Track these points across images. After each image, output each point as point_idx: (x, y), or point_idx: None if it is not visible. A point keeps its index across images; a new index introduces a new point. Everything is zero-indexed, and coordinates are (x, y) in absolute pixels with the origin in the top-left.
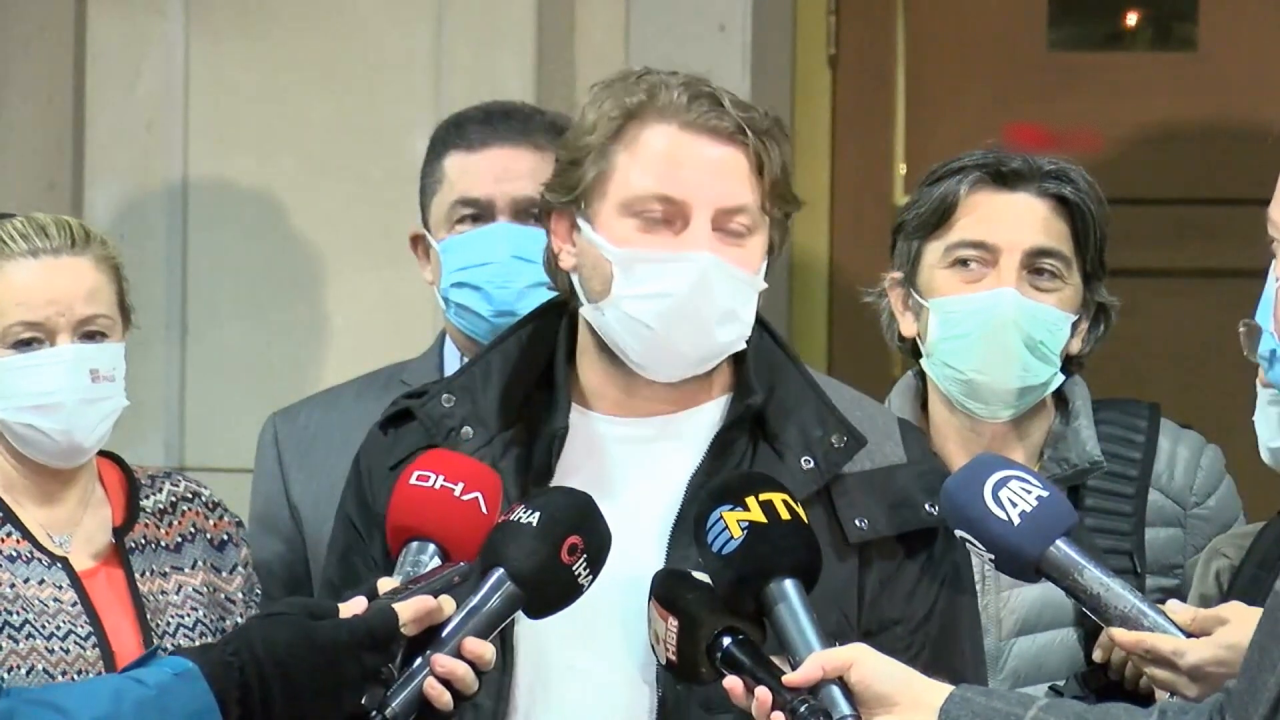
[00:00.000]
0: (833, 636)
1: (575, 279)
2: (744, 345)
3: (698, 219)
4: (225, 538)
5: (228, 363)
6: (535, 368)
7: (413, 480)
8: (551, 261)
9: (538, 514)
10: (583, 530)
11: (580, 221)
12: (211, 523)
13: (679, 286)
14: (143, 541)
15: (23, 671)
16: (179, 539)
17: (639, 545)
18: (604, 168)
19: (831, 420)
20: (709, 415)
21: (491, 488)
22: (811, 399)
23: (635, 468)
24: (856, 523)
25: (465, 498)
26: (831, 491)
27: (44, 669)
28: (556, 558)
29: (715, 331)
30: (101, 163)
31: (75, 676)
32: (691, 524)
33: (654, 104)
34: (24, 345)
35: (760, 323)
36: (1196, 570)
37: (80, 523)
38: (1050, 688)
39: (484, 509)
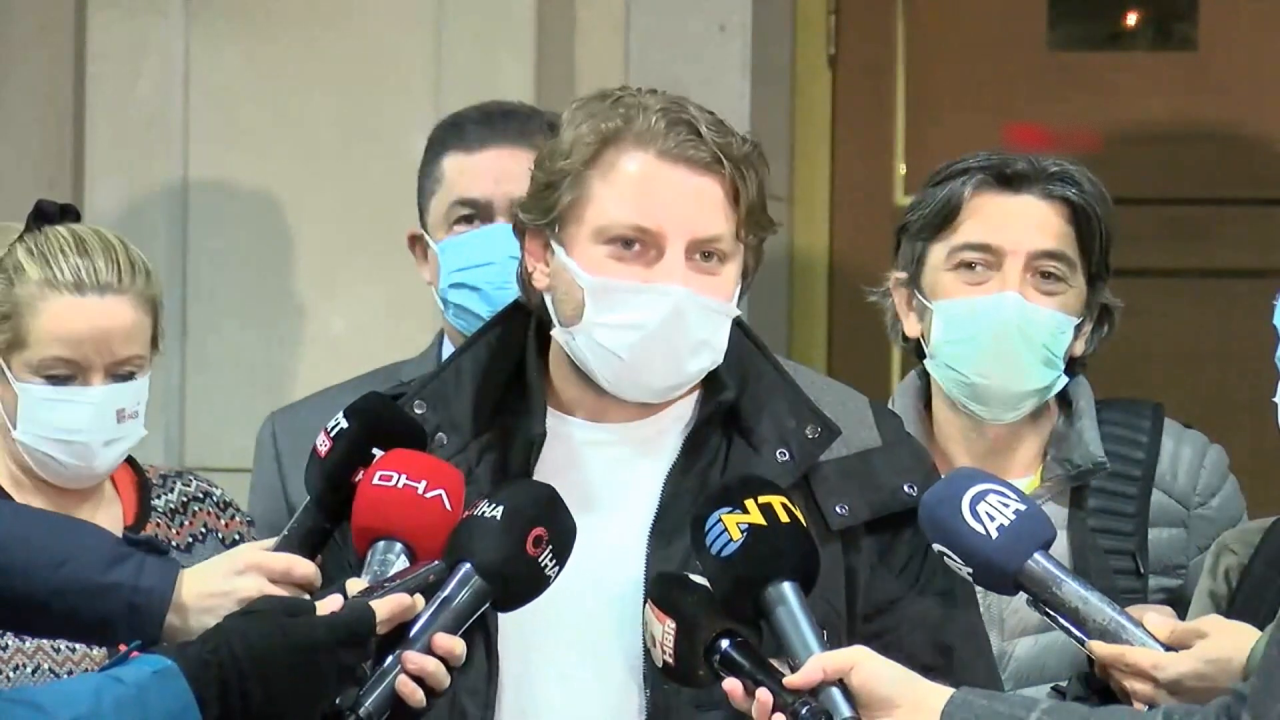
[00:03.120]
0: (819, 626)
1: (549, 299)
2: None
3: (672, 250)
4: (237, 537)
5: (228, 363)
6: (506, 371)
7: (375, 480)
8: (526, 278)
9: (501, 508)
10: (546, 522)
11: (554, 244)
12: (223, 523)
13: (651, 318)
14: None
15: (28, 670)
16: (190, 539)
17: (619, 549)
18: (579, 194)
19: (805, 411)
20: (682, 414)
21: (454, 484)
22: (784, 390)
23: (612, 472)
24: (837, 509)
25: (428, 495)
26: (810, 480)
27: (49, 668)
28: (522, 550)
29: (686, 362)
30: (101, 163)
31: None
32: (670, 527)
33: (630, 130)
34: (56, 379)
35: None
36: (1204, 567)
37: (90, 520)
38: (1053, 688)
39: (448, 505)
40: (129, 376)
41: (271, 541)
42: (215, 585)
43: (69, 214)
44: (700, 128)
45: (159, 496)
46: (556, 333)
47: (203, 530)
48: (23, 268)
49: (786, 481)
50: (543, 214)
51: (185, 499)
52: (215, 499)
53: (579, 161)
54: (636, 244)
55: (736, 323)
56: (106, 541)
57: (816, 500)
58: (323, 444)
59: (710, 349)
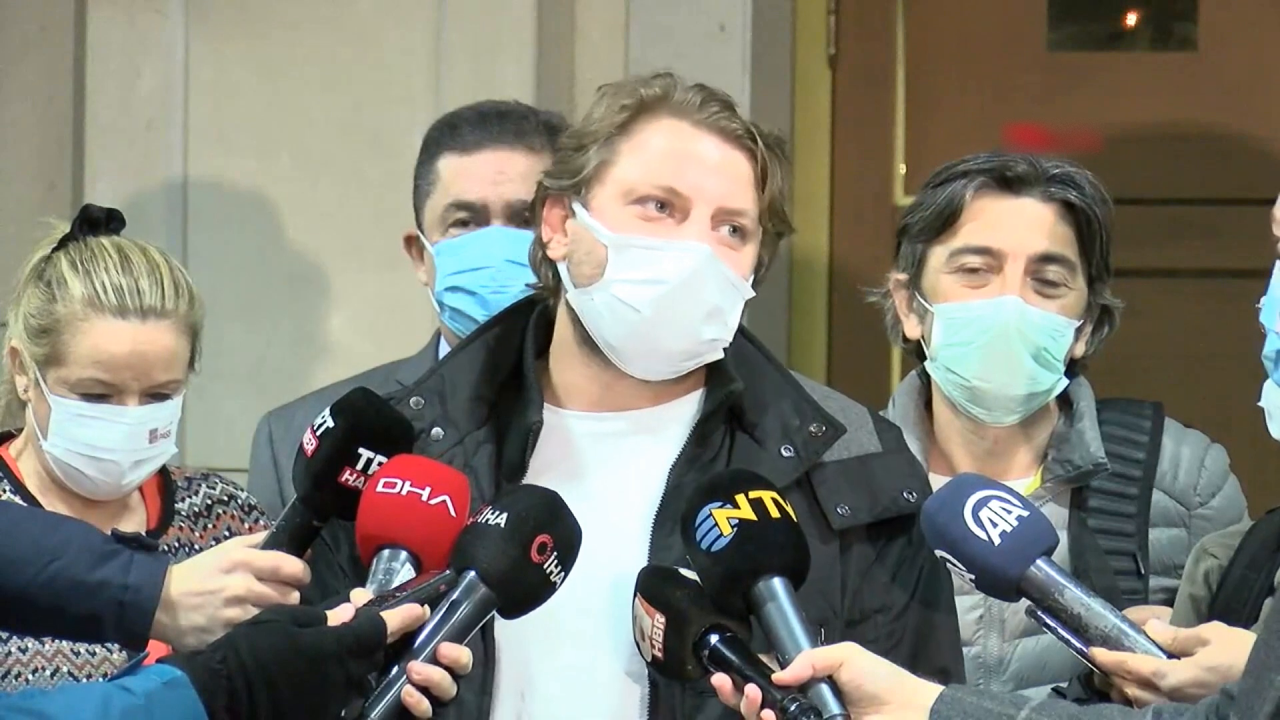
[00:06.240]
0: (817, 623)
1: (564, 267)
2: (722, 353)
3: (698, 213)
4: None
5: (227, 363)
6: (504, 368)
7: (379, 488)
8: (539, 252)
9: (505, 514)
10: (551, 528)
11: (576, 207)
12: (247, 526)
13: (673, 274)
14: (177, 545)
15: (47, 674)
16: (214, 543)
17: (620, 540)
18: (608, 156)
19: (809, 410)
20: (684, 408)
21: (459, 490)
22: (788, 391)
23: (611, 462)
24: (838, 509)
25: (433, 502)
26: (812, 479)
27: (68, 671)
28: (526, 557)
29: (701, 327)
30: (101, 163)
31: (100, 680)
32: (673, 516)
33: (667, 100)
34: (92, 397)
35: None
36: (1185, 571)
37: (114, 524)
38: (1053, 689)
39: (452, 512)
40: (164, 397)
41: (259, 538)
42: (203, 583)
43: (115, 220)
44: (734, 106)
45: (183, 500)
46: (572, 296)
47: (225, 534)
48: (66, 282)
49: (789, 478)
50: (569, 176)
51: (210, 502)
52: (240, 503)
53: (610, 126)
54: (665, 206)
55: (739, 329)
56: (95, 538)
57: (818, 499)
58: (309, 442)
59: (723, 321)
